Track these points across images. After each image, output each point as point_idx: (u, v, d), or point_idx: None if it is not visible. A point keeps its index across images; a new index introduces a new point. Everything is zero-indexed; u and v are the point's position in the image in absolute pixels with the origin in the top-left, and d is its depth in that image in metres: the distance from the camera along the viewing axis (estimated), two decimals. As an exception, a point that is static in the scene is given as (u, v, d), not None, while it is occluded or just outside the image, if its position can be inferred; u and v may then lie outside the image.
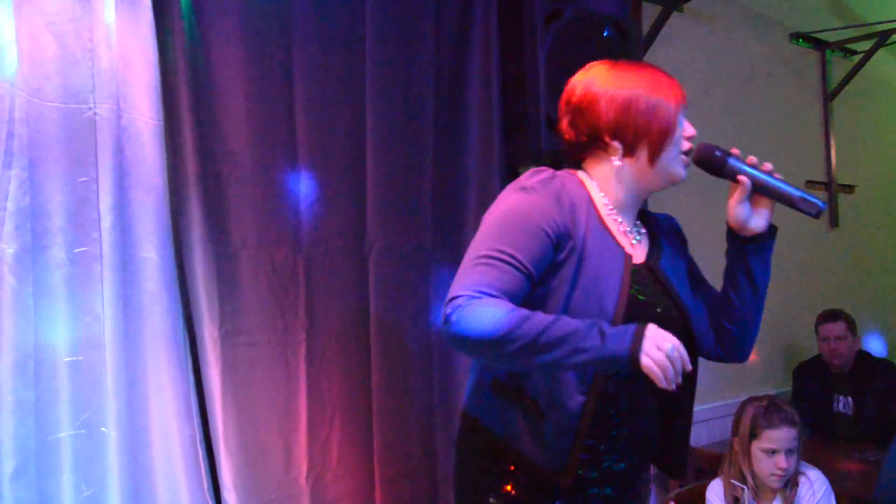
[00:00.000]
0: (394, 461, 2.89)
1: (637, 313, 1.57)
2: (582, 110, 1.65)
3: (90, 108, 2.37)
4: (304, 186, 2.80)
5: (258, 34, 2.73)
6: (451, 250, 3.02)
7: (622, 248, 1.63)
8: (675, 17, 4.07)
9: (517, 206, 1.57)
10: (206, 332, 2.57)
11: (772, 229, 1.70)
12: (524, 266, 1.51)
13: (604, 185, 1.67)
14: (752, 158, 1.68)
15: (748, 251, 1.69)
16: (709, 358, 1.82)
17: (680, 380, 1.38)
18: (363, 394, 2.90)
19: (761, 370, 4.68)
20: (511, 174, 3.01)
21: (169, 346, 2.50)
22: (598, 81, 1.65)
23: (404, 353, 2.94)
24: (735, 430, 2.81)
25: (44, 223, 2.29)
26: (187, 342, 2.59)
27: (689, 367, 1.41)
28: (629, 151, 1.64)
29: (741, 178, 1.65)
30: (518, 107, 3.12)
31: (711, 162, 1.67)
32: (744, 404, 2.84)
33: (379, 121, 2.92)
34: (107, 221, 2.37)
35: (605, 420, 1.62)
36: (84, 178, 2.36)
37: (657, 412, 1.74)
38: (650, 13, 4.01)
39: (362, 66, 2.91)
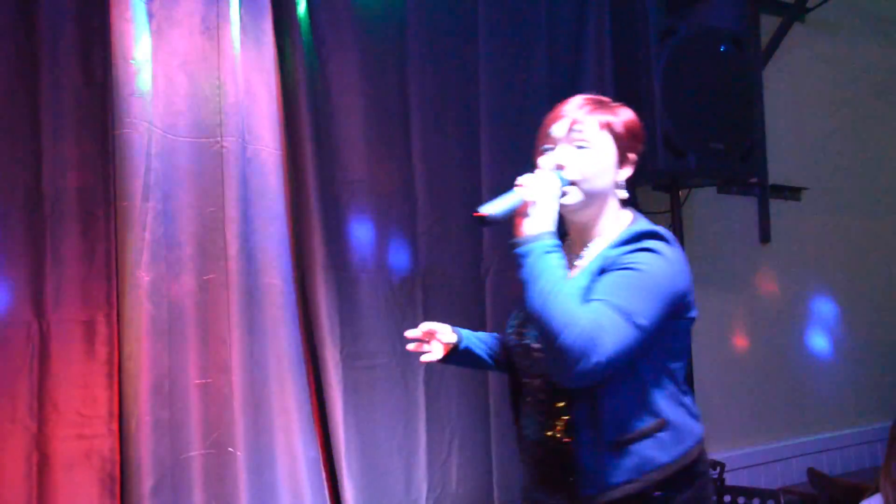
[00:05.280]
0: (513, 486, 2.88)
1: (515, 335, 1.82)
2: None
3: (218, 142, 2.48)
4: (421, 211, 2.85)
5: (375, 64, 2.80)
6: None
7: None
8: (796, 28, 3.94)
9: None
10: (328, 354, 2.63)
11: (512, 244, 1.63)
12: None
13: None
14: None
15: None
16: None
17: None
18: (482, 416, 2.90)
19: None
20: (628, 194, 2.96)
21: (292, 369, 2.57)
22: None
23: (521, 375, 2.93)
24: (890, 443, 2.58)
25: (176, 252, 2.40)
26: (310, 365, 2.66)
27: None
28: None
29: None
30: (633, 126, 3.09)
31: None
32: None
33: (494, 148, 2.95)
34: (233, 249, 2.47)
35: (523, 416, 1.79)
36: (212, 209, 2.47)
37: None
38: (770, 25, 3.89)
39: (476, 94, 2.96)
